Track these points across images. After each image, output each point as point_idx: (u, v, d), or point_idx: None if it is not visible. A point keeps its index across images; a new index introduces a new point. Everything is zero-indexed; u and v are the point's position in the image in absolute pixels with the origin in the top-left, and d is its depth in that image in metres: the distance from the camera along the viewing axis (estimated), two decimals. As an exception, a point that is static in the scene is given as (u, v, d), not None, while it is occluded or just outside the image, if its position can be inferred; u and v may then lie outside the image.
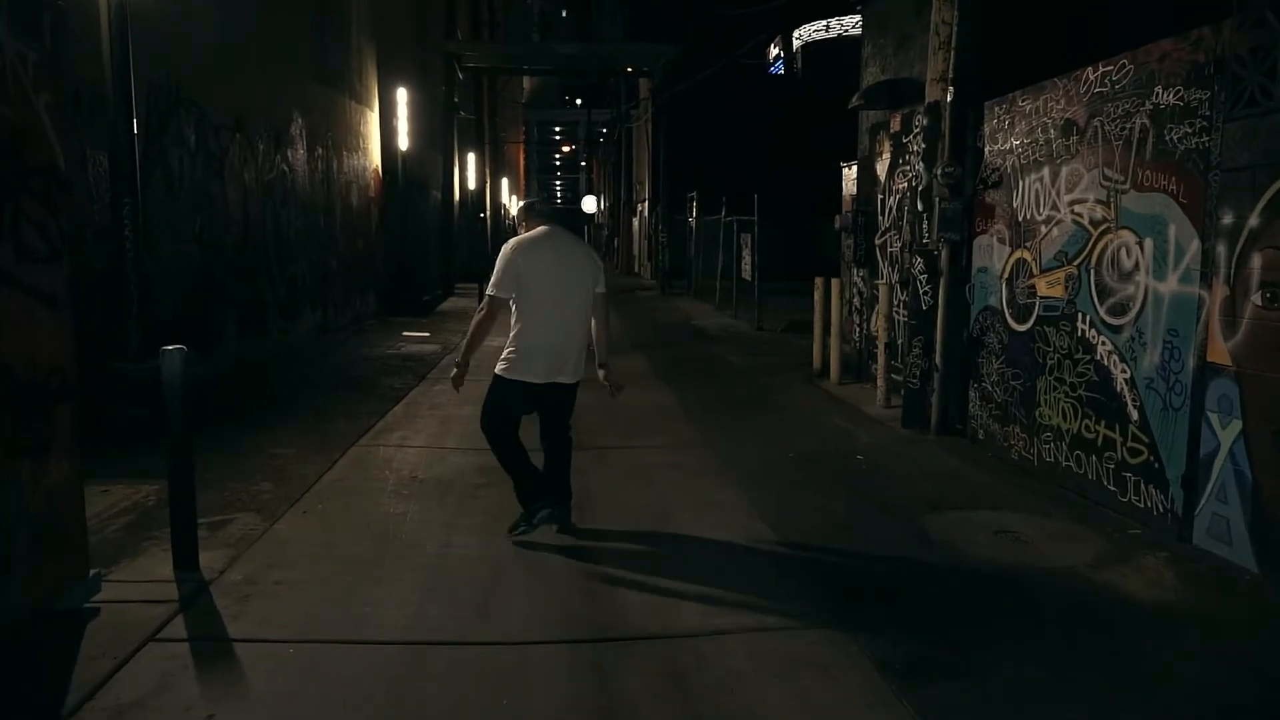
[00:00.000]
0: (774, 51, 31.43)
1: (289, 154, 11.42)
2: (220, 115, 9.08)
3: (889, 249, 8.58)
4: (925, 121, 6.82)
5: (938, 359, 6.76)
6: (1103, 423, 5.04)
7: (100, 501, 4.90)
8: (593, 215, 53.36)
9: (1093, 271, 5.15)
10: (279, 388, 8.71)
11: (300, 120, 11.89)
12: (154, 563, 4.00)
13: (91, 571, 3.50)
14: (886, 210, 8.63)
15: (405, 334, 13.49)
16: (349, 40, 14.82)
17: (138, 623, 3.38)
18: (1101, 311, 5.06)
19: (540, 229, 4.50)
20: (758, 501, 5.18)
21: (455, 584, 4.01)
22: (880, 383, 7.95)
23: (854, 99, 8.93)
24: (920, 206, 6.98)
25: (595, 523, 4.78)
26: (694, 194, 20.87)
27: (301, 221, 11.90)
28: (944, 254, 6.67)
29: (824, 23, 30.91)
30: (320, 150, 12.88)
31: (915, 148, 7.63)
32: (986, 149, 6.36)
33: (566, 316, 4.39)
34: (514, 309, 4.42)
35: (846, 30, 28.86)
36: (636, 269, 32.84)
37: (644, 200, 30.56)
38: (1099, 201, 5.09)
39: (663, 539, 4.57)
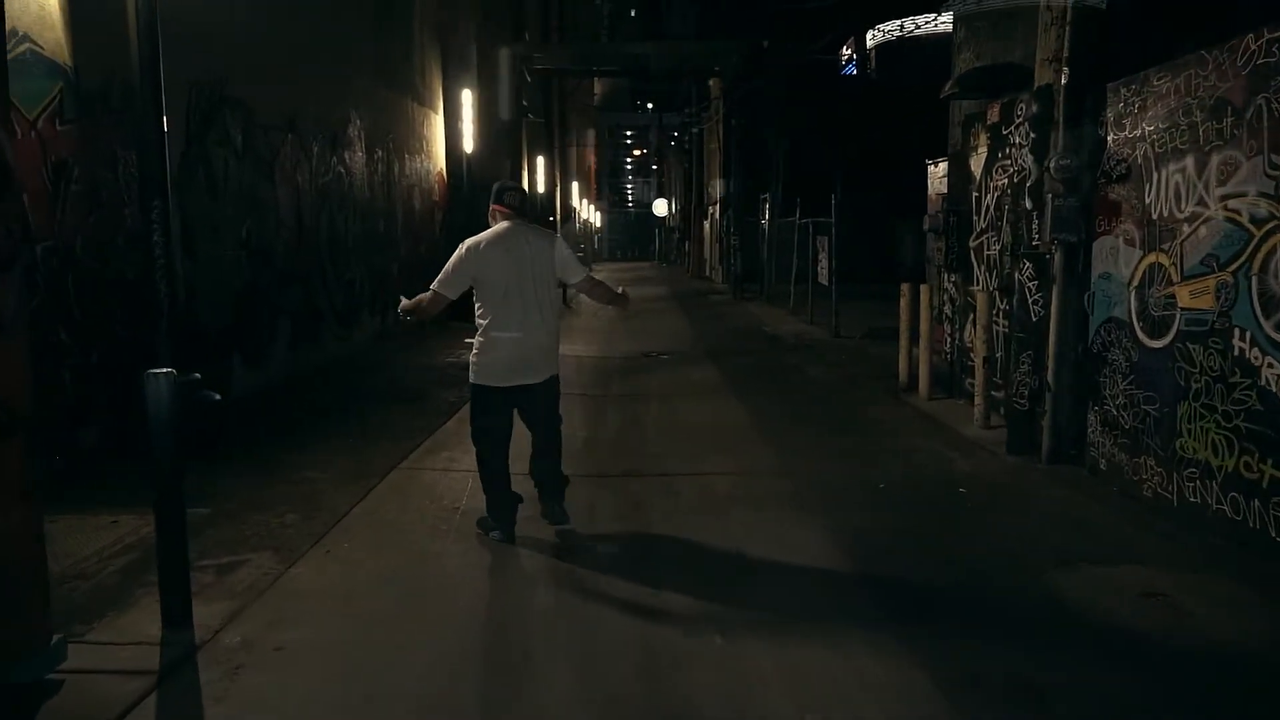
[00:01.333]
0: (846, 54, 30.41)
1: (346, 156, 11.06)
2: (270, 115, 8.70)
3: (985, 252, 7.72)
4: (1035, 108, 5.97)
5: (1050, 377, 5.90)
6: (1269, 461, 4.16)
7: (106, 535, 4.44)
8: (664, 219, 52.80)
9: (1254, 279, 4.27)
10: (327, 400, 8.27)
11: (358, 121, 11.53)
12: (143, 618, 3.47)
13: (55, 636, 2.97)
14: (983, 209, 7.76)
15: (468, 340, 12.95)
16: (411, 40, 14.47)
17: (102, 703, 2.84)
18: (1267, 328, 4.19)
19: (501, 226, 4.42)
20: (848, 545, 4.44)
21: (488, 650, 3.39)
22: (978, 400, 7.09)
23: (947, 87, 8.09)
24: (1028, 204, 6.13)
25: (659, 571, 4.11)
26: (766, 195, 20.06)
27: (359, 225, 11.53)
28: (1058, 258, 5.81)
29: (898, 22, 29.79)
30: (380, 152, 12.52)
31: (1018, 140, 6.78)
32: (1110, 137, 5.50)
33: (527, 318, 4.32)
34: (476, 310, 4.39)
35: (918, 27, 27.73)
36: (707, 272, 32.08)
37: (715, 203, 29.80)
38: (1264, 195, 4.21)
39: (738, 596, 3.86)
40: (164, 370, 3.31)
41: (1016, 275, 6.36)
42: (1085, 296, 5.75)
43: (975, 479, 5.68)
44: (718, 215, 28.68)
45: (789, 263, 17.46)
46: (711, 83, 28.54)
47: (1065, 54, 5.61)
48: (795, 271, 17.04)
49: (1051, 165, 5.71)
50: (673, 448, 6.55)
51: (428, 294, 4.49)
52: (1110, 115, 5.47)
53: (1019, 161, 6.69)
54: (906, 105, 20.80)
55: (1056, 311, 5.85)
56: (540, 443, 4.65)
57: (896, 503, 5.20)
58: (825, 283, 14.58)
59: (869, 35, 30.62)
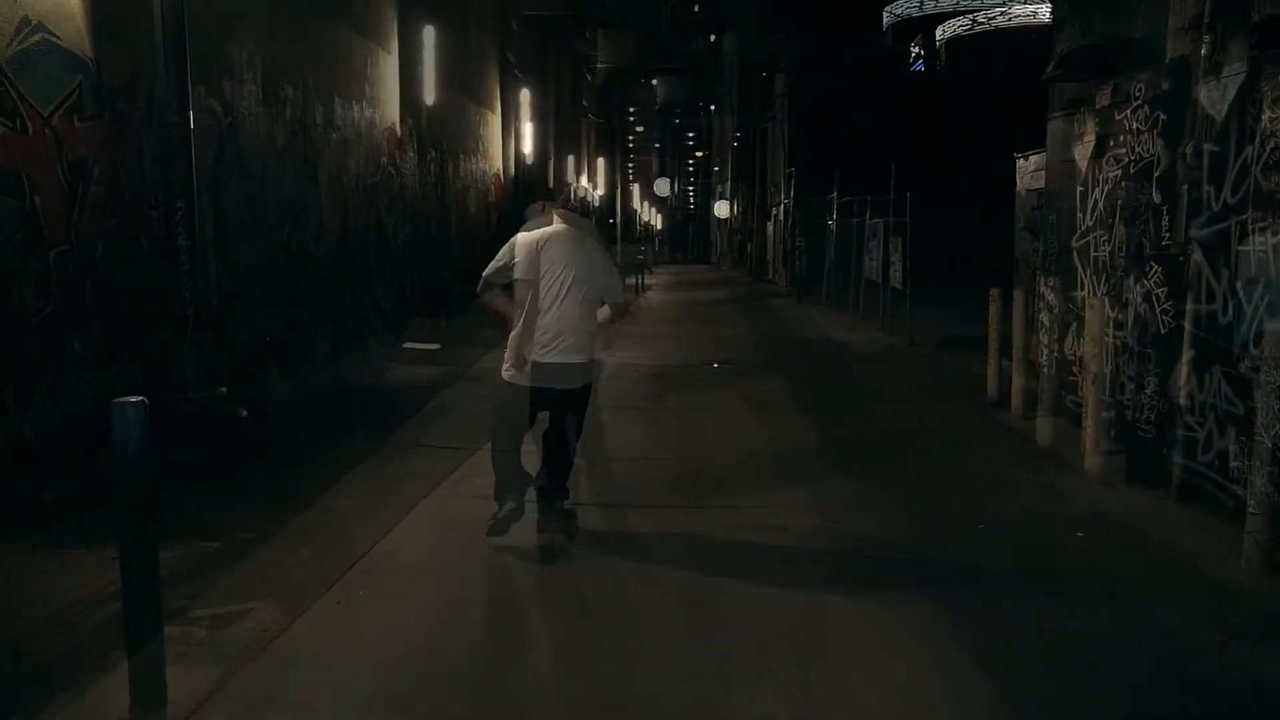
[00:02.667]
0: (915, 50, 29.27)
1: (396, 157, 10.61)
2: (314, 114, 8.26)
3: (1093, 253, 6.85)
4: (1166, 85, 5.15)
5: (1184, 399, 5.06)
6: None
7: (102, 576, 3.92)
8: (724, 220, 52.07)
9: None
10: (367, 413, 7.75)
11: (410, 122, 11.09)
12: (111, 691, 2.89)
13: (-11, 726, 2.44)
14: (1089, 205, 6.90)
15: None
16: (468, 41, 14.03)
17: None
18: None
19: (550, 228, 4.42)
20: (944, 606, 3.70)
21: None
22: (1088, 423, 6.22)
23: (1049, 69, 7.24)
24: (1157, 197, 5.30)
25: (721, 637, 3.44)
26: (834, 195, 19.19)
27: (410, 229, 11.08)
28: (1195, 259, 4.98)
29: (969, 17, 28.57)
30: (433, 154, 12.09)
31: (1135, 124, 5.93)
32: (1266, 115, 4.64)
33: (542, 318, 4.28)
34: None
35: (993, 19, 26.49)
36: (770, 275, 31.20)
37: (779, 204, 28.96)
38: None
39: (817, 678, 3.16)
40: (133, 399, 2.75)
41: (1134, 281, 5.54)
42: (1230, 305, 4.90)
43: (1093, 519, 4.88)
44: (781, 216, 27.85)
45: (858, 264, 16.58)
46: (776, 81, 27.77)
47: (1206, 19, 4.78)
48: (865, 275, 16.16)
49: (1188, 151, 4.88)
50: (738, 474, 5.85)
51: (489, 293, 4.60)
52: (1267, 90, 4.62)
53: (1136, 149, 5.85)
54: (978, 100, 19.76)
55: (1192, 323, 5.01)
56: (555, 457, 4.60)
57: (1000, 550, 4.43)
58: (898, 286, 13.72)
59: (938, 30, 29.49)
